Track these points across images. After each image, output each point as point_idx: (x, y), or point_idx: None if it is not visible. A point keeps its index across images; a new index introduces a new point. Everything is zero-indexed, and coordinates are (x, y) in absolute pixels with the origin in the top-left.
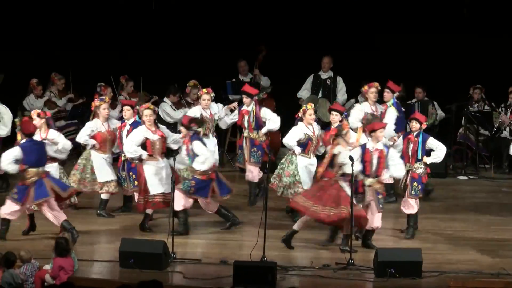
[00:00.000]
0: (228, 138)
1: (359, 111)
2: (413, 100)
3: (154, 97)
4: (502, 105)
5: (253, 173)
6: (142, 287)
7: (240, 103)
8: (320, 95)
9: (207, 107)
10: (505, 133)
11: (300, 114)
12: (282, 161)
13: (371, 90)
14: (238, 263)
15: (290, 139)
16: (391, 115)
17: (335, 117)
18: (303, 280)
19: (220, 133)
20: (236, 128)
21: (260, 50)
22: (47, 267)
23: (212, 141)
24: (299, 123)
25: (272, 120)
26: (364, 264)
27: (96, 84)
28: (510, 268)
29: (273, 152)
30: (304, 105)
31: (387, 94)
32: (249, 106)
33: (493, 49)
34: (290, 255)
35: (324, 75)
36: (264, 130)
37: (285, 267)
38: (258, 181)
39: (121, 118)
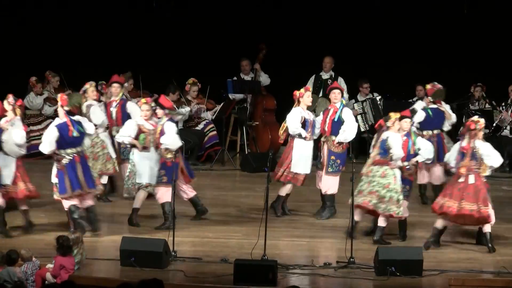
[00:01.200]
0: (229, 136)
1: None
2: (414, 99)
3: (154, 95)
4: (503, 104)
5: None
6: (143, 286)
7: (241, 102)
8: (321, 94)
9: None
10: (506, 131)
11: (297, 96)
12: None
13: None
14: (239, 262)
15: (294, 125)
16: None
17: (337, 96)
18: (304, 279)
19: (220, 132)
20: (237, 126)
21: (261, 48)
22: (50, 266)
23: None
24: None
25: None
26: (365, 263)
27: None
28: (510, 267)
29: (273, 150)
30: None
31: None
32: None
33: (494, 47)
34: (291, 253)
35: (325, 75)
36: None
37: (286, 265)
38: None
39: None
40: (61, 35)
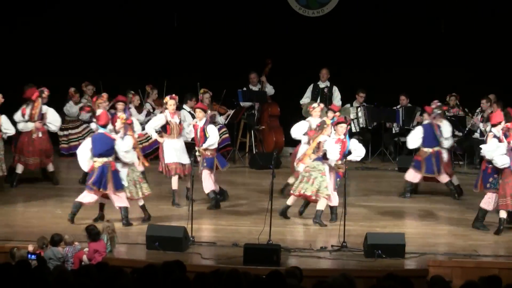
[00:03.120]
0: (239, 138)
1: None
2: (398, 106)
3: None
4: (477, 110)
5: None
6: (166, 266)
7: (249, 109)
8: (318, 101)
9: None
10: (476, 134)
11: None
12: None
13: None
14: (248, 246)
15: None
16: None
17: (329, 115)
18: (303, 260)
19: (232, 134)
20: (246, 130)
21: (267, 63)
22: (86, 250)
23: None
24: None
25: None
26: (356, 247)
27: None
28: (480, 250)
29: (277, 151)
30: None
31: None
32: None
33: (467, 62)
34: (292, 239)
35: (322, 85)
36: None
37: (288, 249)
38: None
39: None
40: (98, 49)
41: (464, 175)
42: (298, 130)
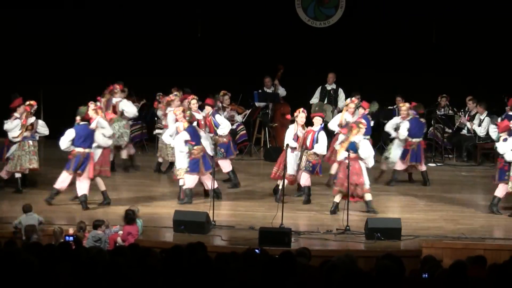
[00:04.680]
0: (255, 135)
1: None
2: (394, 106)
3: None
4: (462, 110)
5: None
6: (190, 247)
7: (264, 108)
8: (325, 102)
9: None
10: (464, 131)
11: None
12: None
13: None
14: (262, 229)
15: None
16: None
17: (318, 121)
18: (311, 242)
19: (249, 131)
20: (261, 127)
21: (279, 68)
22: (120, 232)
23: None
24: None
25: None
26: (358, 230)
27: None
28: (467, 233)
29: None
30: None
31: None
32: None
33: (456, 67)
34: (302, 223)
35: (329, 87)
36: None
37: (298, 232)
38: None
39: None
40: (131, 55)
41: (453, 167)
42: (333, 123)
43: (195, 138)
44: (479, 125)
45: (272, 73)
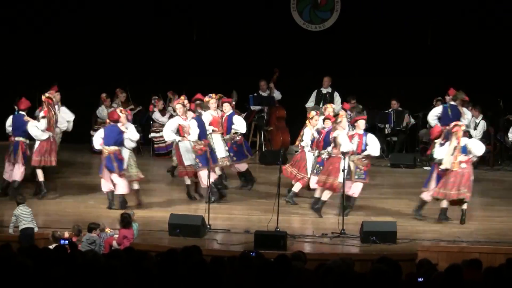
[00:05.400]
0: (251, 138)
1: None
2: (390, 110)
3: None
4: None
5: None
6: (185, 251)
7: (259, 112)
8: (321, 105)
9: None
10: None
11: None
12: None
13: None
14: (258, 232)
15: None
16: None
17: (363, 124)
18: (307, 245)
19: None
20: (257, 130)
21: (275, 71)
22: (116, 236)
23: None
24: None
25: None
26: (353, 233)
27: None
28: (463, 237)
29: (284, 149)
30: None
31: None
32: None
33: (451, 70)
34: (297, 226)
35: (324, 90)
36: None
37: (293, 235)
38: None
39: None
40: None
41: None
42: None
43: (202, 130)
44: (475, 128)
45: (268, 76)
